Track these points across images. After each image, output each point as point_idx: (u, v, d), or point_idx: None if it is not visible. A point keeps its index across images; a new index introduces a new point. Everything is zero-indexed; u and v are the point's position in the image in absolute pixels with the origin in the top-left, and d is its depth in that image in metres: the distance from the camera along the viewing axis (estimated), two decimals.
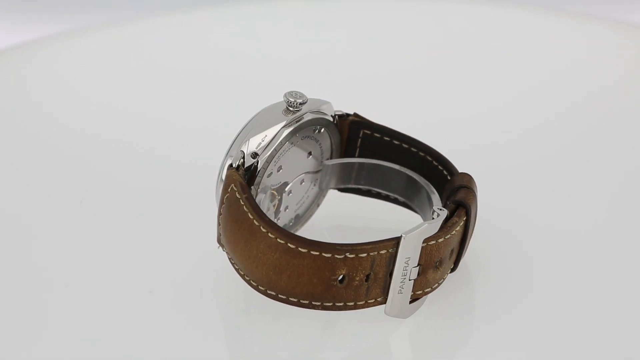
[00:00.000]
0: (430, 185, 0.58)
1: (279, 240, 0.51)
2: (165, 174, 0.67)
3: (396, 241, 0.52)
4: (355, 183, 0.60)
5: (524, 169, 0.67)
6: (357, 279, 0.52)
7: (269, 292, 0.52)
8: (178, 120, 0.73)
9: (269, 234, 0.51)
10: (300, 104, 0.55)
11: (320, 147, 0.59)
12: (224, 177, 0.54)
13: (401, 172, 0.59)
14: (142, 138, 0.71)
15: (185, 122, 0.73)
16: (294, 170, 0.58)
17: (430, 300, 0.55)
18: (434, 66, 0.81)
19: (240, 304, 0.56)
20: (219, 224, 0.54)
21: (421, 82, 0.78)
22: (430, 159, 0.59)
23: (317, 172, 0.59)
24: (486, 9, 0.87)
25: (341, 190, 0.61)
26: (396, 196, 0.60)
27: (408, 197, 0.59)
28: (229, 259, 0.54)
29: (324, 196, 0.61)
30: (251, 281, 0.53)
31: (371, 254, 0.51)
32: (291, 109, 0.55)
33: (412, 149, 0.59)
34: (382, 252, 0.52)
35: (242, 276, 0.53)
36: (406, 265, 0.52)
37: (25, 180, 0.66)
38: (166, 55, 0.82)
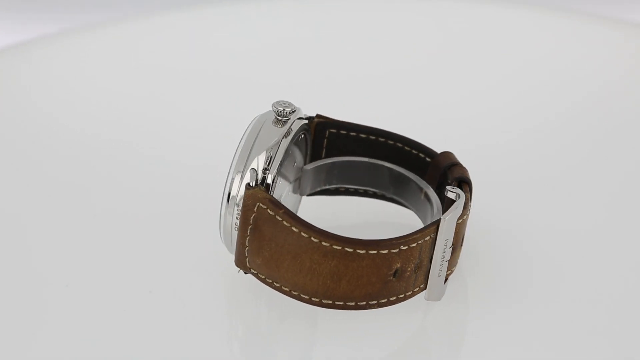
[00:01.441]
0: (408, 170, 0.59)
1: (334, 246, 0.51)
2: (164, 174, 0.67)
3: (436, 225, 0.53)
4: (325, 184, 0.60)
5: (524, 169, 0.67)
6: (409, 269, 0.53)
7: (324, 301, 0.52)
8: (177, 120, 0.73)
9: (323, 242, 0.51)
10: (290, 112, 0.55)
11: (301, 154, 0.59)
12: (239, 198, 0.53)
13: (372, 164, 0.59)
14: (141, 138, 0.71)
15: (184, 122, 0.73)
16: (286, 180, 0.58)
17: (425, 306, 0.56)
18: (434, 66, 0.81)
19: (242, 304, 0.56)
20: (244, 246, 0.53)
21: (421, 83, 0.78)
22: (401, 145, 0.59)
23: (297, 179, 0.59)
24: (486, 9, 0.87)
25: (310, 194, 0.61)
26: (366, 189, 0.60)
27: (383, 188, 0.60)
28: (263, 279, 0.53)
29: (300, 202, 0.61)
30: (301, 295, 0.52)
31: (419, 242, 0.52)
32: (281, 118, 0.55)
33: (380, 139, 0.59)
34: (427, 238, 0.53)
35: (288, 292, 0.53)
36: (445, 247, 0.53)
37: (25, 180, 0.66)
38: (166, 55, 0.82)
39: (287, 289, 0.53)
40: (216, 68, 0.80)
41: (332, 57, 0.81)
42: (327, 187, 0.60)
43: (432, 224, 0.53)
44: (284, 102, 0.55)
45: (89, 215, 0.62)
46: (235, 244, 0.54)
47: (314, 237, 0.51)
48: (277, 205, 0.51)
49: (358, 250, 0.51)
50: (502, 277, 0.58)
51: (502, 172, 0.67)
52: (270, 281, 0.53)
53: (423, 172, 0.59)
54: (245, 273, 0.54)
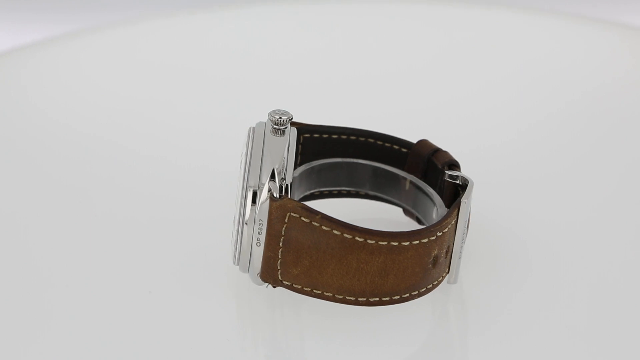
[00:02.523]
0: (385, 164, 0.59)
1: (380, 242, 0.51)
2: (165, 175, 0.67)
3: (457, 208, 0.53)
4: (306, 190, 0.60)
5: (524, 169, 0.68)
6: (442, 255, 0.53)
7: (371, 299, 0.52)
8: (179, 122, 0.73)
9: (368, 241, 0.51)
10: (287, 120, 0.54)
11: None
12: (260, 212, 0.51)
13: (346, 163, 0.59)
14: (142, 140, 0.70)
15: (185, 124, 0.73)
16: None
17: (432, 297, 0.55)
18: (435, 68, 0.81)
19: (244, 304, 0.56)
20: (276, 259, 0.52)
21: (421, 84, 0.79)
22: (372, 140, 0.59)
23: None
24: (485, 13, 0.88)
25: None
26: (341, 189, 0.60)
27: (360, 185, 0.60)
28: (299, 289, 0.52)
29: None
30: (347, 297, 0.52)
31: (449, 227, 0.53)
32: (279, 127, 0.54)
33: (352, 137, 0.59)
34: (452, 222, 0.53)
35: (331, 297, 0.52)
36: (464, 228, 0.54)
37: (26, 182, 0.66)
38: (168, 58, 0.81)
39: (330, 294, 0.52)
40: (216, 70, 0.79)
41: (329, 59, 0.81)
42: (306, 192, 0.60)
43: (454, 207, 0.53)
44: (279, 110, 0.54)
45: (89, 216, 0.62)
46: (256, 260, 0.52)
47: (358, 237, 0.51)
48: (311, 211, 0.51)
49: (403, 243, 0.51)
50: (503, 275, 0.58)
51: (501, 172, 0.67)
52: (309, 289, 0.52)
53: (402, 163, 0.59)
54: (274, 287, 0.53)
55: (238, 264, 0.53)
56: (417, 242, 0.51)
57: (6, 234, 0.61)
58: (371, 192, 0.60)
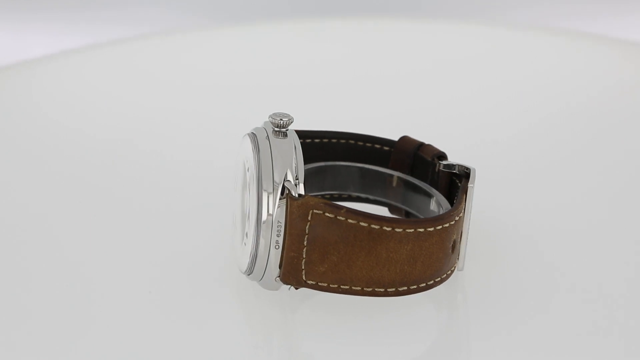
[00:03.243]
0: (367, 164, 0.59)
1: (407, 230, 0.51)
2: (168, 175, 0.67)
3: (464, 194, 0.53)
4: None
5: (523, 168, 0.69)
6: (458, 240, 0.53)
7: (399, 289, 0.52)
8: (184, 124, 0.74)
9: (396, 229, 0.50)
10: (288, 122, 0.54)
11: None
12: (278, 215, 0.51)
13: (329, 166, 0.59)
14: (145, 141, 0.71)
15: (190, 127, 0.74)
16: None
17: (434, 294, 0.56)
18: (437, 73, 0.82)
19: (246, 304, 0.56)
20: (300, 259, 0.51)
21: (422, 85, 0.80)
22: (353, 141, 0.59)
23: None
24: (485, 30, 0.91)
25: None
26: (324, 192, 0.60)
27: (344, 187, 0.60)
28: (325, 286, 0.52)
29: None
30: (376, 289, 0.51)
31: (462, 211, 0.53)
32: (279, 129, 0.53)
33: (333, 140, 0.59)
34: (463, 207, 0.53)
35: (359, 291, 0.52)
36: (470, 215, 0.54)
37: (26, 182, 0.65)
38: (168, 70, 0.82)
39: (358, 288, 0.52)
40: (218, 80, 0.80)
41: (329, 64, 0.83)
42: None
43: (461, 193, 0.54)
44: (280, 113, 0.54)
45: (88, 215, 0.62)
46: (273, 264, 0.52)
47: (386, 226, 0.50)
48: (335, 206, 0.50)
49: (428, 229, 0.51)
50: (504, 273, 0.58)
51: (501, 170, 0.68)
52: (336, 286, 0.52)
53: (385, 161, 0.59)
54: (297, 288, 0.52)
55: (250, 273, 0.53)
56: (440, 227, 0.51)
57: (6, 234, 0.61)
58: (355, 194, 0.60)
